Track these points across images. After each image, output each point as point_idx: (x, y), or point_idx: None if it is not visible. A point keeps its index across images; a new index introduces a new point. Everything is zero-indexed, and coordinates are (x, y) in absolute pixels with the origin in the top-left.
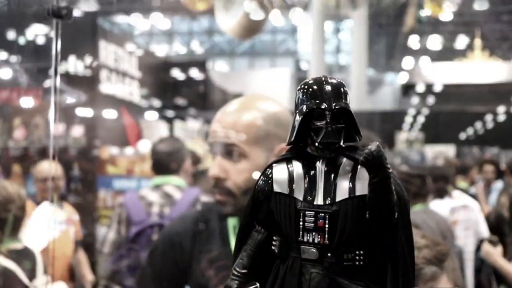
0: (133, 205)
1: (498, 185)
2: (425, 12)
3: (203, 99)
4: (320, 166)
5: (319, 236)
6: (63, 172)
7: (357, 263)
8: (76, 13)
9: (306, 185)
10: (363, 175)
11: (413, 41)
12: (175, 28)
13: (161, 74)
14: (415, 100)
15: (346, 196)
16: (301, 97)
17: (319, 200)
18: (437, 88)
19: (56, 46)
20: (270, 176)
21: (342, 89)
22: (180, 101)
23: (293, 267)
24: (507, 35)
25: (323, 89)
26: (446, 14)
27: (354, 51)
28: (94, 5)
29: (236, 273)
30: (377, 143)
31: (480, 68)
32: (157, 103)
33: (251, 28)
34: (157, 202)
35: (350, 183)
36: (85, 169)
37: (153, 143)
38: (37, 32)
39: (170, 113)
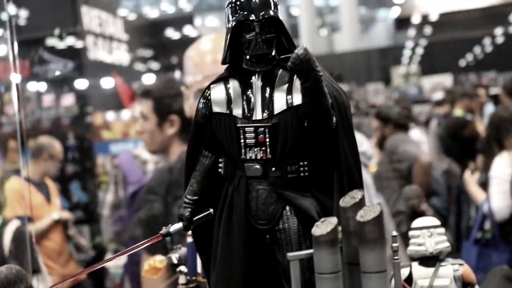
0: (128, 165)
1: (489, 108)
2: None
3: None
4: (256, 80)
5: (261, 152)
6: (61, 147)
7: (302, 174)
8: None
9: (244, 102)
10: (299, 84)
11: None
12: None
13: (149, 35)
14: (410, 33)
15: (284, 107)
16: (229, 12)
17: (257, 115)
18: (431, 18)
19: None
20: (209, 97)
21: None
22: (173, 60)
23: (239, 186)
24: None
25: (250, 1)
26: None
27: None
28: None
29: (188, 200)
30: (304, 46)
31: None
32: (148, 64)
33: None
34: (151, 160)
35: (287, 94)
36: (80, 137)
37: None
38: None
39: (162, 72)
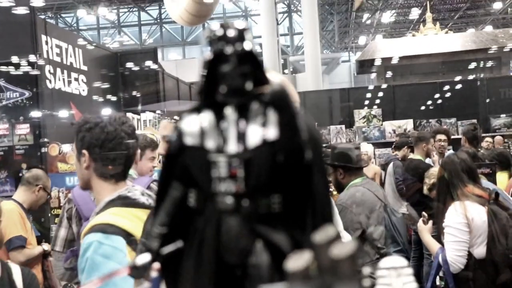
0: (82, 199)
1: (449, 153)
2: None
3: (155, 89)
4: (230, 113)
5: (234, 185)
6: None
7: (274, 208)
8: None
9: (217, 135)
10: (273, 118)
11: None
12: (123, 20)
13: (110, 67)
14: (371, 76)
15: (258, 141)
16: (206, 44)
17: (231, 148)
18: (393, 62)
19: None
20: (181, 129)
21: (246, 32)
22: (132, 92)
23: (210, 219)
24: (457, 6)
25: (226, 33)
26: None
27: (306, 32)
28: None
29: (156, 232)
30: (282, 81)
31: (433, 40)
32: (107, 96)
33: (200, 15)
34: None
35: (262, 128)
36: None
37: None
38: None
39: (121, 105)
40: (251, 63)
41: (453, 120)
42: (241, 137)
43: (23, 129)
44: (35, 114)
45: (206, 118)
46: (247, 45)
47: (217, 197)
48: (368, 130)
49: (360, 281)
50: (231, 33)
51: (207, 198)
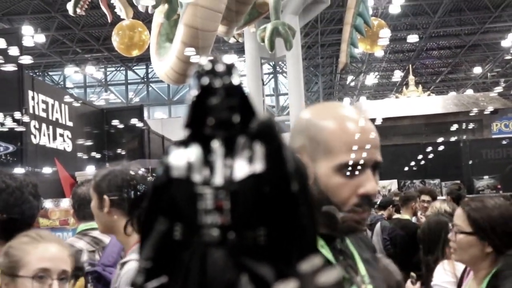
0: None
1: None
2: (358, 49)
3: (141, 147)
4: (217, 146)
5: (220, 217)
6: None
7: (260, 241)
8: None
9: (204, 167)
10: (260, 150)
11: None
12: (110, 78)
13: (95, 123)
14: None
15: (245, 173)
16: (194, 78)
17: (217, 181)
18: (376, 123)
19: None
20: (168, 162)
21: (234, 67)
22: (117, 149)
23: (196, 252)
24: (439, 70)
25: (214, 67)
26: (379, 51)
27: (291, 92)
28: (25, 58)
29: (142, 266)
30: (269, 114)
31: (416, 102)
32: (92, 153)
33: (186, 73)
34: (85, 249)
35: (248, 161)
36: None
37: (73, 188)
38: None
39: (106, 161)
40: (239, 97)
41: (437, 181)
42: (228, 169)
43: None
44: (19, 169)
45: (193, 151)
46: (234, 79)
47: (203, 230)
48: None
49: None
50: (219, 67)
51: (193, 231)
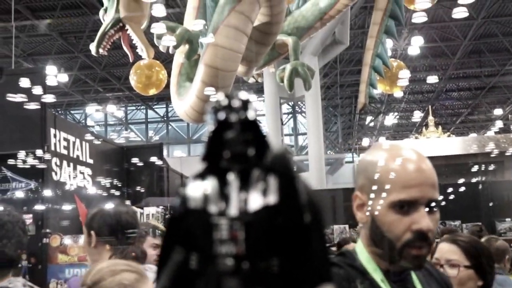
0: None
1: None
2: (377, 90)
3: (160, 185)
4: (232, 178)
5: (234, 247)
6: None
7: (274, 271)
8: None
9: (219, 199)
10: (274, 183)
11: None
12: (131, 117)
13: (115, 161)
14: None
15: (259, 205)
16: (211, 113)
17: (232, 212)
18: None
19: None
20: (185, 194)
21: (249, 103)
22: (136, 187)
23: (211, 281)
24: (458, 111)
25: (231, 103)
26: (398, 92)
27: (310, 132)
28: (48, 97)
29: None
30: (285, 147)
31: (435, 144)
32: (111, 190)
33: (205, 112)
34: None
35: (262, 193)
36: (34, 259)
37: None
38: None
39: (125, 199)
40: (254, 131)
41: (457, 222)
42: (243, 201)
43: (25, 219)
44: (39, 205)
45: (209, 183)
46: (250, 114)
47: (218, 259)
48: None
49: None
50: (235, 102)
51: (208, 260)
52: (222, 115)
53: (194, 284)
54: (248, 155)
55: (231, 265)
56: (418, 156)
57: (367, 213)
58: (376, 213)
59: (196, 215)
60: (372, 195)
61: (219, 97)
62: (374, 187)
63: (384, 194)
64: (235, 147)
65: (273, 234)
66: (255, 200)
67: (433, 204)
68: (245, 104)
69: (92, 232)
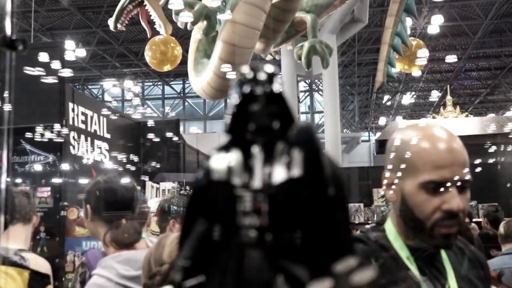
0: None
1: None
2: (395, 69)
3: (176, 161)
4: (257, 151)
5: (258, 219)
6: None
7: (297, 243)
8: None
9: (243, 171)
10: (298, 155)
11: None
12: (148, 92)
13: (132, 137)
14: None
15: (283, 178)
16: (236, 85)
17: (256, 184)
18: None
19: (10, 79)
20: (209, 166)
21: (275, 75)
22: (152, 162)
23: (233, 253)
24: (477, 91)
25: (256, 75)
26: (417, 71)
27: (327, 111)
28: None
29: (180, 265)
30: (308, 122)
31: (453, 124)
32: (127, 164)
33: (222, 89)
34: None
35: (286, 165)
36: (52, 232)
37: None
38: None
39: (141, 175)
40: (279, 104)
41: (473, 202)
42: (267, 174)
43: (44, 192)
44: (57, 178)
45: (233, 156)
46: (275, 87)
47: (241, 231)
48: (386, 209)
49: None
50: (260, 75)
51: (231, 232)
52: (247, 88)
53: (217, 255)
54: (273, 128)
55: (254, 237)
56: (449, 135)
57: (397, 192)
58: (406, 192)
59: (220, 187)
60: (402, 175)
61: (245, 70)
62: (405, 167)
63: (414, 174)
64: (260, 120)
65: (296, 207)
66: (279, 173)
67: (463, 183)
68: (271, 77)
69: (88, 206)
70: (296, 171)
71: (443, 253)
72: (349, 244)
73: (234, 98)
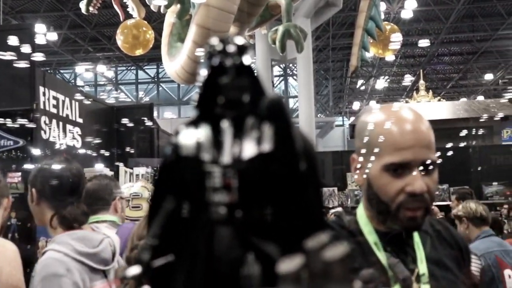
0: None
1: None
2: (369, 53)
3: (150, 146)
4: (226, 126)
5: (227, 195)
6: None
7: (267, 220)
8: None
9: (212, 146)
10: (269, 130)
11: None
12: (121, 77)
13: (105, 121)
14: None
15: (253, 152)
16: (205, 58)
17: (226, 160)
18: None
19: None
20: (177, 141)
21: (245, 47)
22: (126, 147)
23: (203, 230)
24: (450, 76)
25: (226, 47)
26: (390, 55)
27: (301, 95)
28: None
29: (148, 244)
30: (278, 93)
31: (425, 108)
32: (101, 150)
33: (196, 73)
34: None
35: (257, 140)
36: (22, 218)
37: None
38: None
39: (115, 160)
40: (249, 76)
41: (445, 186)
42: (237, 148)
43: (14, 177)
44: (28, 164)
45: (202, 130)
46: (245, 59)
47: (211, 208)
48: (360, 193)
49: (351, 283)
50: (230, 47)
51: (200, 209)
52: (216, 60)
53: (186, 233)
54: (243, 101)
55: (224, 214)
56: (411, 116)
57: (364, 176)
58: (371, 176)
59: (188, 163)
60: (367, 158)
61: (214, 41)
62: (368, 150)
63: (377, 157)
64: (229, 93)
65: (267, 182)
66: (249, 148)
67: (428, 165)
68: (241, 49)
69: (34, 190)
70: (267, 146)
71: (416, 237)
72: (321, 219)
73: (202, 71)
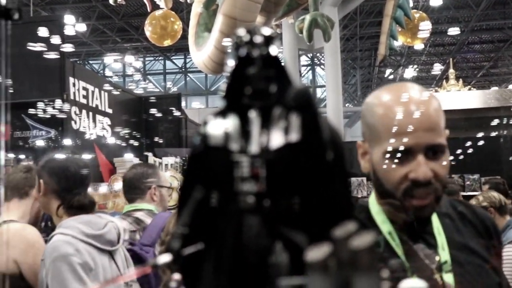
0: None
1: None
2: (398, 42)
3: (178, 136)
4: (254, 116)
5: (255, 185)
6: None
7: (295, 209)
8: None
9: (240, 136)
10: (296, 120)
11: (388, 73)
12: (149, 67)
13: (134, 111)
14: None
15: (280, 142)
16: (232, 49)
17: (254, 150)
18: None
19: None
20: (205, 131)
21: (272, 38)
22: (154, 137)
23: (232, 220)
24: (480, 64)
25: (253, 38)
26: (419, 44)
27: (329, 85)
28: (67, 46)
29: (178, 232)
30: (305, 84)
31: (455, 97)
32: (130, 140)
33: (223, 63)
34: (127, 229)
35: (284, 130)
36: None
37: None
38: None
39: (143, 150)
40: (276, 67)
41: (476, 176)
42: (264, 138)
43: None
44: (59, 154)
45: (230, 121)
46: (272, 50)
47: (239, 197)
48: None
49: (378, 272)
50: (257, 38)
51: (229, 198)
52: (243, 51)
53: (215, 222)
54: (270, 92)
55: (252, 203)
56: (415, 97)
57: (369, 162)
58: (375, 162)
59: (217, 153)
60: (370, 143)
61: (241, 32)
62: (370, 135)
63: (378, 142)
64: (257, 83)
65: (294, 172)
66: (277, 138)
67: (434, 149)
68: (267, 39)
69: (41, 181)
70: (294, 136)
71: (436, 222)
72: (348, 208)
73: (230, 62)
